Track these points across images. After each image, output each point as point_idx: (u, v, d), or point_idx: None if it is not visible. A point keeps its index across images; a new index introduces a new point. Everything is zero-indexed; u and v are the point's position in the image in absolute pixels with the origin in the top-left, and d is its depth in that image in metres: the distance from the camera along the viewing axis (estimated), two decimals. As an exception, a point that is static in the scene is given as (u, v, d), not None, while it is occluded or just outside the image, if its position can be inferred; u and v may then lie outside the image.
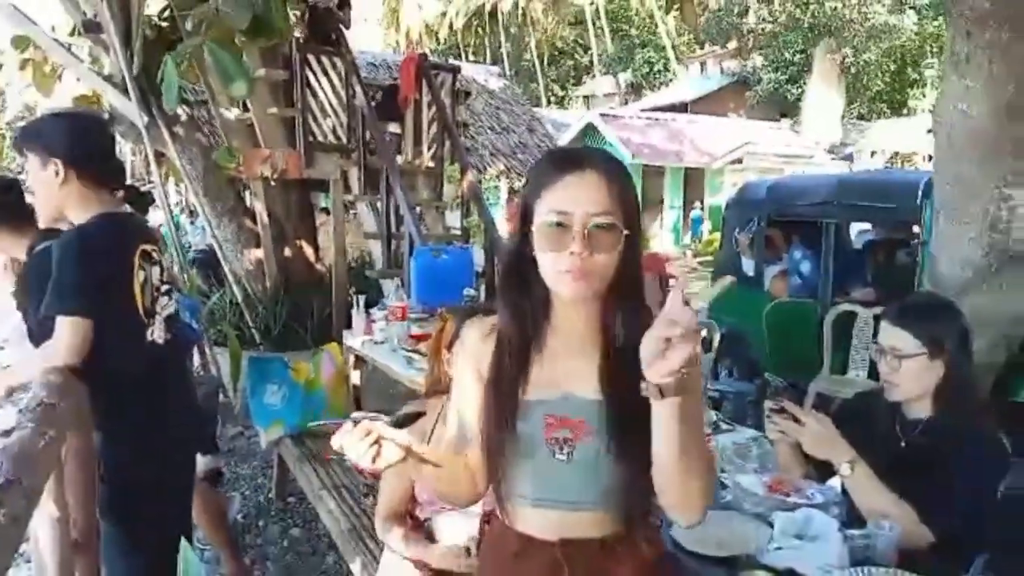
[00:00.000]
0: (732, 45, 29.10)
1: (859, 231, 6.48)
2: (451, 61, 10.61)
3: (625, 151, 17.59)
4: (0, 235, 2.59)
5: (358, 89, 5.80)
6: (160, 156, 5.64)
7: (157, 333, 2.27)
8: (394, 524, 2.10)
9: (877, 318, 2.14)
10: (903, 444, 1.99)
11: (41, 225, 2.33)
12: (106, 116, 5.96)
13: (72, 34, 5.85)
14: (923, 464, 1.87)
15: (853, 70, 23.36)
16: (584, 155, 1.21)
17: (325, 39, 5.97)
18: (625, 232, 1.17)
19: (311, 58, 5.65)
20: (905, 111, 23.15)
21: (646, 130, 18.29)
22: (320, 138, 5.81)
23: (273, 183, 5.71)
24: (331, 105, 5.83)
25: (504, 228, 12.47)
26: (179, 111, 5.51)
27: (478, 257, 6.19)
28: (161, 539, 1.93)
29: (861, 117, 23.59)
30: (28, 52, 5.74)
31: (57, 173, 2.10)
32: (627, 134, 18.21)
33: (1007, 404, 4.21)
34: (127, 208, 2.36)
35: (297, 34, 5.80)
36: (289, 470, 3.90)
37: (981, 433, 1.93)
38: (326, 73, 5.74)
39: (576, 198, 1.16)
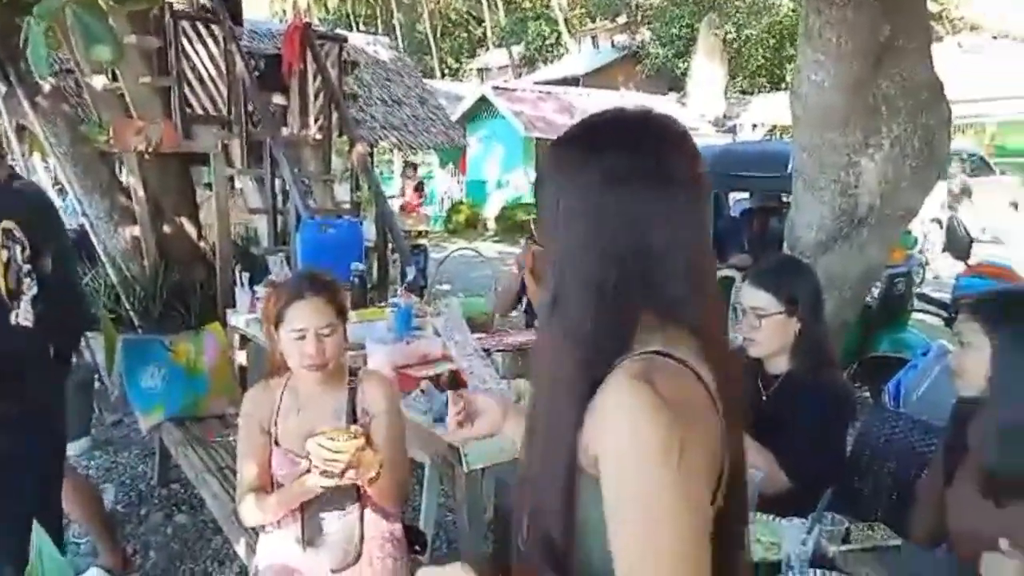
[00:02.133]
0: (622, 19, 29.57)
1: (736, 199, 6.78)
2: (339, 31, 10.33)
3: (518, 124, 17.66)
4: None
5: (238, 58, 5.57)
6: (22, 129, 5.27)
7: (22, 316, 2.15)
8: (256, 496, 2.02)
9: (751, 281, 2.27)
10: (764, 397, 2.13)
11: None
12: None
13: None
14: (781, 415, 2.01)
15: (735, 45, 24.18)
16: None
17: (202, 6, 5.71)
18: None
19: (186, 25, 5.39)
20: (784, 85, 24.15)
21: (539, 103, 18.40)
22: (198, 109, 5.56)
23: (148, 157, 5.43)
24: (209, 75, 5.58)
25: (397, 203, 12.29)
26: (41, 81, 5.14)
27: (369, 231, 6.11)
28: (22, 528, 1.84)
29: (743, 91, 24.48)
30: None
31: None
32: (520, 107, 18.28)
33: (870, 358, 4.57)
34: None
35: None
36: (171, 456, 3.78)
37: (831, 385, 2.10)
38: (203, 41, 5.48)
39: None
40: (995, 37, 21.56)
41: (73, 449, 4.25)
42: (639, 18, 28.32)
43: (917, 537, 1.90)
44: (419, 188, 12.51)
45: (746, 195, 6.66)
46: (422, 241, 9.72)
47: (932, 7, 20.77)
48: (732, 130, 19.83)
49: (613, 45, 29.47)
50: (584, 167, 0.90)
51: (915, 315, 4.79)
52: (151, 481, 4.10)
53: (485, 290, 5.14)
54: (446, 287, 9.00)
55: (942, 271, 7.73)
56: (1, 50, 4.81)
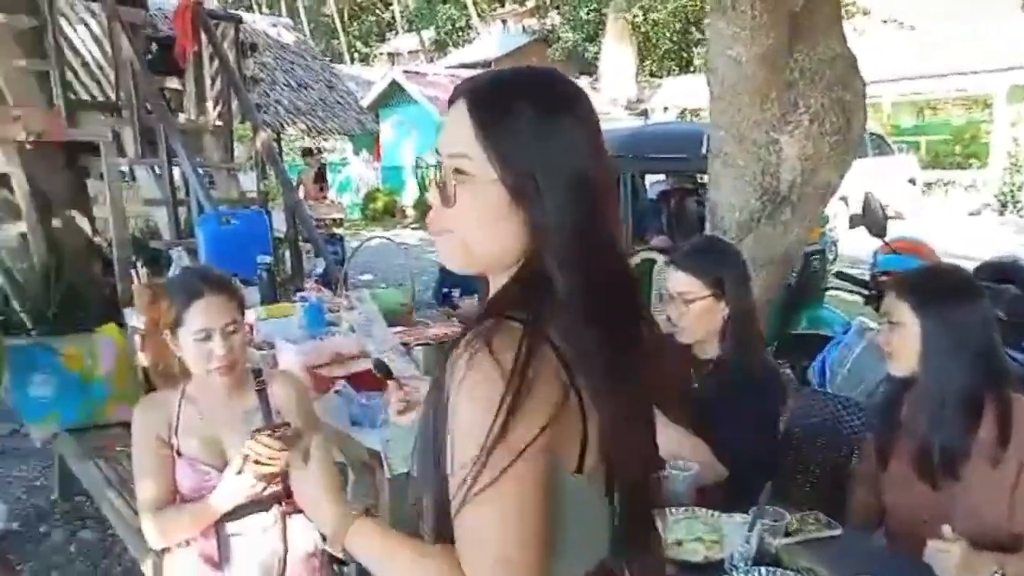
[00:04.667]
0: (531, 3, 29.54)
1: (653, 182, 6.81)
2: (237, 12, 9.88)
3: (432, 108, 17.40)
4: None
5: (124, 40, 5.20)
6: None
7: None
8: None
9: (672, 264, 2.21)
10: (695, 385, 2.07)
11: None
12: None
13: None
14: (714, 403, 1.95)
15: (643, 29, 24.45)
16: (459, 86, 0.95)
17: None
18: (493, 178, 0.87)
19: (62, 3, 4.98)
20: (692, 68, 24.63)
21: (451, 87, 18.10)
22: (84, 95, 5.16)
23: (29, 147, 5.02)
24: (94, 58, 5.18)
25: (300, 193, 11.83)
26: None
27: (279, 222, 5.86)
28: None
29: (653, 75, 24.83)
30: None
31: None
32: (433, 91, 17.99)
33: (790, 336, 4.63)
34: None
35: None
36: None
37: (763, 369, 2.05)
38: (83, 22, 5.09)
39: (441, 138, 0.94)
40: (884, 21, 22.57)
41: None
42: (548, 2, 28.31)
43: (854, 523, 1.87)
44: (320, 177, 11.81)
45: (662, 177, 6.69)
46: (338, 231, 9.45)
47: (828, -9, 21.49)
48: (644, 113, 20.08)
49: (524, 29, 29.41)
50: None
51: (830, 292, 4.88)
52: (52, 495, 3.80)
53: (405, 280, 4.99)
54: (367, 277, 8.77)
55: (851, 248, 8.02)
56: None
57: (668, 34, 25.11)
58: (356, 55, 35.49)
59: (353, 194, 18.59)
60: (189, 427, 1.88)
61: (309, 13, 33.99)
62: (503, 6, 32.41)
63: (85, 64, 5.17)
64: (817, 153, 2.83)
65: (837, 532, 1.67)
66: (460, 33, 32.16)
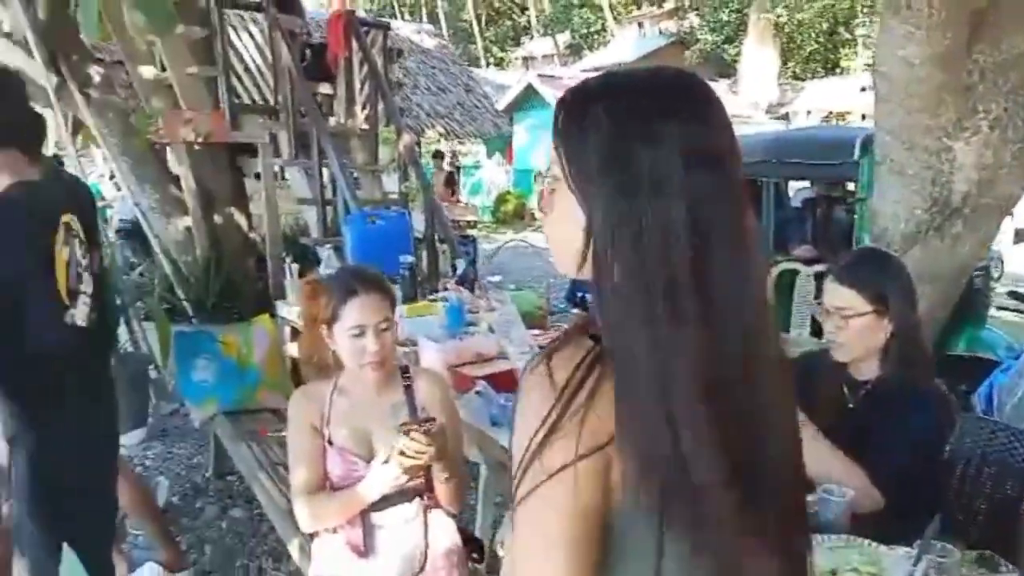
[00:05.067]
0: (669, 5, 29.13)
1: (797, 189, 6.52)
2: (384, 20, 10.26)
3: (565, 113, 17.40)
4: None
5: (284, 48, 5.52)
6: (79, 123, 5.29)
7: (79, 316, 2.06)
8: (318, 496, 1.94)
9: (819, 276, 2.10)
10: (850, 406, 1.95)
11: None
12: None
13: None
14: (871, 425, 1.83)
15: (787, 30, 23.58)
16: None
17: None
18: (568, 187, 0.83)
19: (230, 14, 5.35)
20: (838, 71, 23.53)
21: (586, 91, 18.08)
22: (245, 99, 5.51)
23: (197, 147, 5.42)
24: (256, 64, 5.53)
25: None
26: (91, 72, 5.15)
27: (418, 222, 6.03)
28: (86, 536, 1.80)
29: (796, 77, 23.91)
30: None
31: None
32: (567, 95, 18.02)
33: (946, 358, 4.31)
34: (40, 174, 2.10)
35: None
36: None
37: (929, 391, 1.90)
38: (247, 30, 5.43)
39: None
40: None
41: (129, 440, 4.27)
42: (687, 4, 27.82)
43: (1025, 565, 1.71)
44: (450, 182, 11.61)
45: (807, 184, 6.39)
46: (471, 232, 9.63)
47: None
48: (785, 117, 19.34)
49: (660, 32, 29.02)
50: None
51: (992, 313, 4.50)
52: (207, 473, 4.07)
53: (533, 282, 5.01)
54: (497, 278, 8.90)
55: (1017, 265, 7.39)
56: (51, 41, 4.82)
57: (814, 35, 24.14)
58: (492, 59, 36.17)
59: (484, 196, 18.90)
60: (340, 418, 1.96)
61: (448, 19, 34.95)
62: (639, 9, 32.12)
63: (247, 70, 5.52)
64: (997, 162, 2.60)
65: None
66: (595, 36, 32.16)
